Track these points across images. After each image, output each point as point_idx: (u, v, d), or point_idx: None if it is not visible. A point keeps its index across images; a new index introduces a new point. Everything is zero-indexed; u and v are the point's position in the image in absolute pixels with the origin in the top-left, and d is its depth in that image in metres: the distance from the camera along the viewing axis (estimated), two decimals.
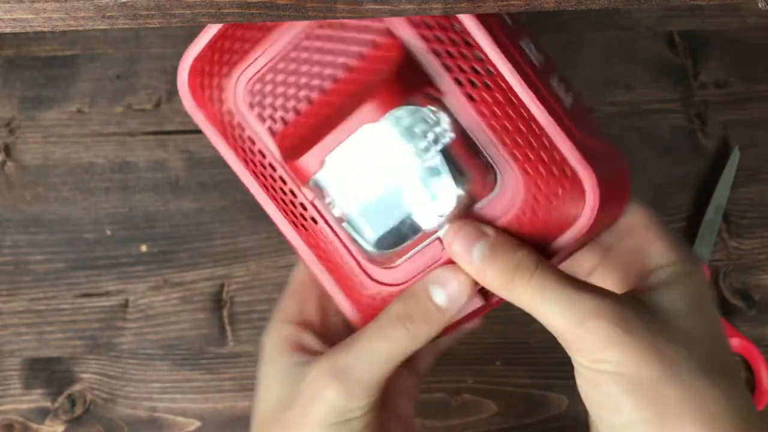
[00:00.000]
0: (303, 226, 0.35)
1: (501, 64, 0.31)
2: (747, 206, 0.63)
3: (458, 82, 0.31)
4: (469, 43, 0.31)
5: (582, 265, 0.37)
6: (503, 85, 0.31)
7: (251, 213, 0.61)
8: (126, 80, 0.62)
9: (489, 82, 0.31)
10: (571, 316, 0.30)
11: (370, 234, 0.32)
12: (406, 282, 0.34)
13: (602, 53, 0.64)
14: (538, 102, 0.31)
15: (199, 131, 0.61)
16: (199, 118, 0.36)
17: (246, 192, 0.61)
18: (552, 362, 0.61)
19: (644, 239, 0.35)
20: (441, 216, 0.32)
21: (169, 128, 0.62)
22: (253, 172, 0.36)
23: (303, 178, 0.32)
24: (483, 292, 0.34)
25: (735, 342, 0.60)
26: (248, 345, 0.59)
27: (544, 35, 0.64)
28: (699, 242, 0.61)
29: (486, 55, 0.31)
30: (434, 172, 0.31)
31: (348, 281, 0.35)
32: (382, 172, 0.31)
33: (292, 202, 0.35)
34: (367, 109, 0.30)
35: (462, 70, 0.31)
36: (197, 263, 0.60)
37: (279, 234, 0.39)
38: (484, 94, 0.31)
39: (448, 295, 0.32)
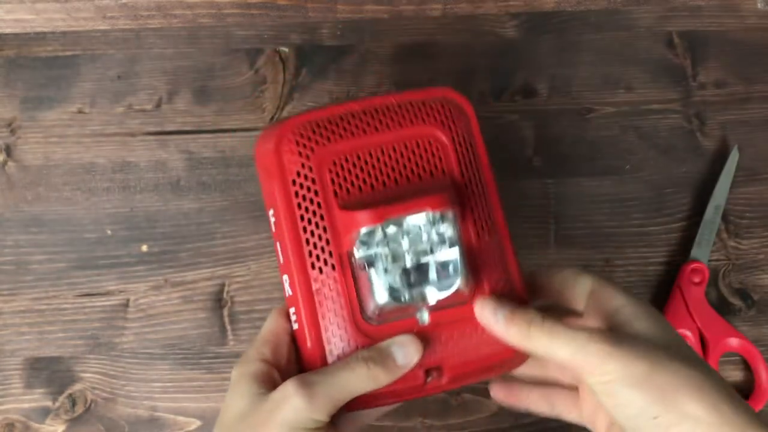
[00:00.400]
0: (320, 268, 0.43)
1: (501, 221, 0.46)
2: (746, 206, 0.63)
3: (474, 222, 0.45)
4: (487, 202, 0.46)
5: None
6: (499, 236, 0.46)
7: (252, 213, 0.61)
8: (127, 80, 0.62)
9: (490, 231, 0.45)
10: (575, 346, 0.40)
11: (389, 283, 0.41)
12: (377, 341, 0.43)
13: (601, 54, 0.64)
14: (511, 248, 0.46)
15: (199, 132, 0.62)
16: (274, 161, 0.45)
17: (247, 192, 0.61)
18: None
19: (601, 295, 0.45)
20: (442, 296, 0.42)
21: (170, 128, 0.62)
22: (300, 215, 0.44)
23: (355, 225, 0.42)
24: (427, 374, 0.43)
25: (734, 342, 0.60)
26: (248, 344, 0.59)
27: (544, 36, 0.64)
28: (698, 242, 0.61)
29: (494, 215, 0.46)
30: (451, 261, 0.42)
31: (318, 319, 0.44)
32: (417, 247, 0.42)
33: (323, 248, 0.43)
34: (431, 199, 0.42)
35: (478, 216, 0.45)
36: (198, 263, 0.61)
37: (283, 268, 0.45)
38: (485, 235, 0.45)
39: (404, 355, 0.42)
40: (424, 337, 0.43)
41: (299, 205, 0.44)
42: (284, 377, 0.43)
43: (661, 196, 0.63)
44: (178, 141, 0.62)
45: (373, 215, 0.41)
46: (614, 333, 0.41)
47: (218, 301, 0.60)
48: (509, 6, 0.65)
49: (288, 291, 0.45)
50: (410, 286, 0.42)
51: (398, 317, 0.43)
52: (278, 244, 0.45)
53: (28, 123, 0.62)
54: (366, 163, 0.44)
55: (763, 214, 0.63)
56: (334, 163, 0.44)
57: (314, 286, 0.43)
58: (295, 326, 0.45)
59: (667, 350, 0.40)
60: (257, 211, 0.61)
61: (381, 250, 0.42)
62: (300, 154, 0.44)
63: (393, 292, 0.41)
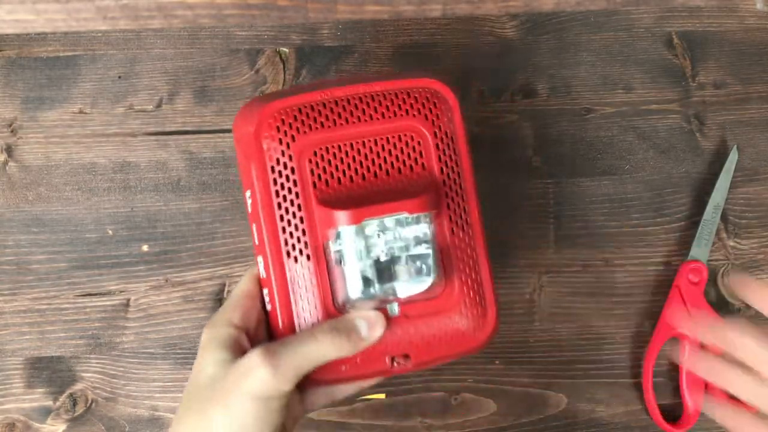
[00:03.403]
0: (294, 257, 0.44)
1: (476, 219, 0.47)
2: (745, 206, 0.63)
3: (450, 219, 0.45)
4: (465, 199, 0.46)
5: None
6: (473, 233, 0.46)
7: None
8: (127, 81, 0.62)
9: (465, 228, 0.46)
10: None
11: (362, 277, 0.43)
12: None
13: (601, 54, 0.64)
14: (484, 246, 0.47)
15: (199, 132, 0.62)
16: (253, 145, 0.44)
17: None
18: (551, 361, 0.61)
19: None
20: (413, 292, 0.43)
21: (171, 129, 0.62)
22: (278, 203, 0.44)
23: (332, 223, 0.43)
24: (393, 360, 0.45)
25: None
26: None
27: (544, 36, 0.65)
28: (697, 242, 0.61)
29: (470, 212, 0.46)
30: (424, 261, 0.43)
31: (291, 305, 0.44)
32: (393, 245, 0.43)
33: (299, 238, 0.44)
34: (410, 203, 0.43)
35: (454, 213, 0.46)
36: (198, 263, 0.61)
37: (257, 251, 0.46)
38: (460, 232, 0.46)
39: (369, 329, 0.43)
40: (394, 326, 0.44)
41: (277, 193, 0.44)
42: (253, 341, 0.44)
43: (661, 196, 0.63)
44: (179, 141, 0.62)
45: (351, 216, 0.42)
46: None
47: (219, 300, 0.60)
48: (509, 6, 0.65)
49: (262, 273, 0.45)
50: (382, 281, 0.43)
51: (370, 308, 0.44)
52: (254, 225, 0.45)
53: (28, 123, 0.62)
54: (347, 155, 0.44)
55: (762, 214, 0.63)
56: (315, 154, 0.44)
57: (288, 275, 0.44)
58: (269, 307, 0.46)
59: None
60: None
61: (357, 246, 0.43)
62: (280, 141, 0.44)
63: (366, 286, 0.43)
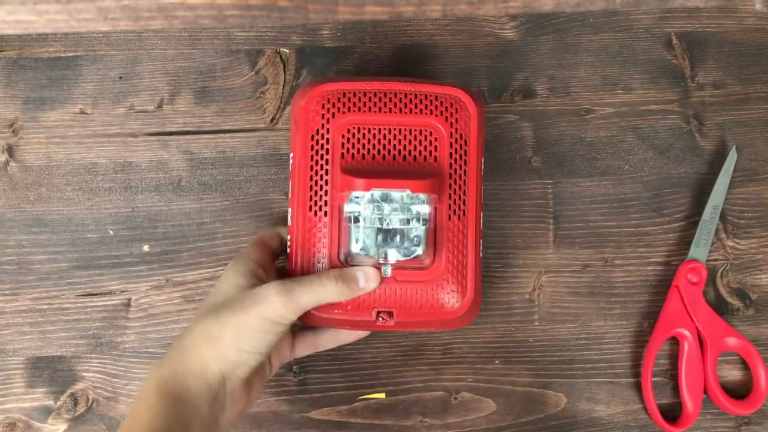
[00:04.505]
0: (315, 210, 0.52)
1: (473, 212, 0.53)
2: (744, 206, 0.63)
3: (449, 207, 0.53)
4: (466, 193, 0.53)
5: None
6: (467, 223, 0.53)
7: (252, 213, 0.61)
8: (128, 81, 0.63)
9: (462, 217, 0.53)
10: None
11: (363, 238, 0.51)
12: None
13: (600, 54, 0.64)
14: (475, 236, 0.53)
15: (200, 132, 0.62)
16: (302, 115, 0.53)
17: (247, 192, 0.61)
18: (551, 361, 0.61)
19: None
20: (402, 259, 0.51)
21: (171, 129, 0.62)
22: (311, 165, 0.52)
23: (350, 187, 0.51)
24: (378, 315, 0.52)
25: (732, 341, 0.60)
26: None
27: (543, 37, 0.65)
28: (696, 242, 0.61)
29: (468, 205, 0.53)
30: (417, 235, 0.51)
31: (306, 250, 0.53)
32: (396, 216, 0.51)
33: (321, 196, 0.52)
34: (414, 183, 0.51)
35: (454, 203, 0.53)
36: (199, 263, 0.61)
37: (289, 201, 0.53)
38: (456, 219, 0.53)
39: (365, 280, 0.51)
40: (385, 285, 0.52)
41: (312, 157, 0.53)
42: (266, 272, 0.53)
43: (660, 196, 0.63)
44: (180, 141, 0.62)
45: (364, 184, 0.51)
46: None
47: None
48: (508, 7, 0.65)
49: (289, 221, 0.54)
50: (380, 244, 0.51)
51: (367, 264, 0.52)
52: (290, 182, 0.54)
53: (30, 123, 0.62)
54: (374, 137, 0.53)
55: (761, 214, 0.63)
56: (348, 131, 0.53)
57: (308, 225, 0.52)
58: (289, 249, 0.54)
59: None
60: (258, 211, 0.61)
61: (365, 211, 0.51)
62: (323, 116, 0.53)
63: (365, 245, 0.51)
